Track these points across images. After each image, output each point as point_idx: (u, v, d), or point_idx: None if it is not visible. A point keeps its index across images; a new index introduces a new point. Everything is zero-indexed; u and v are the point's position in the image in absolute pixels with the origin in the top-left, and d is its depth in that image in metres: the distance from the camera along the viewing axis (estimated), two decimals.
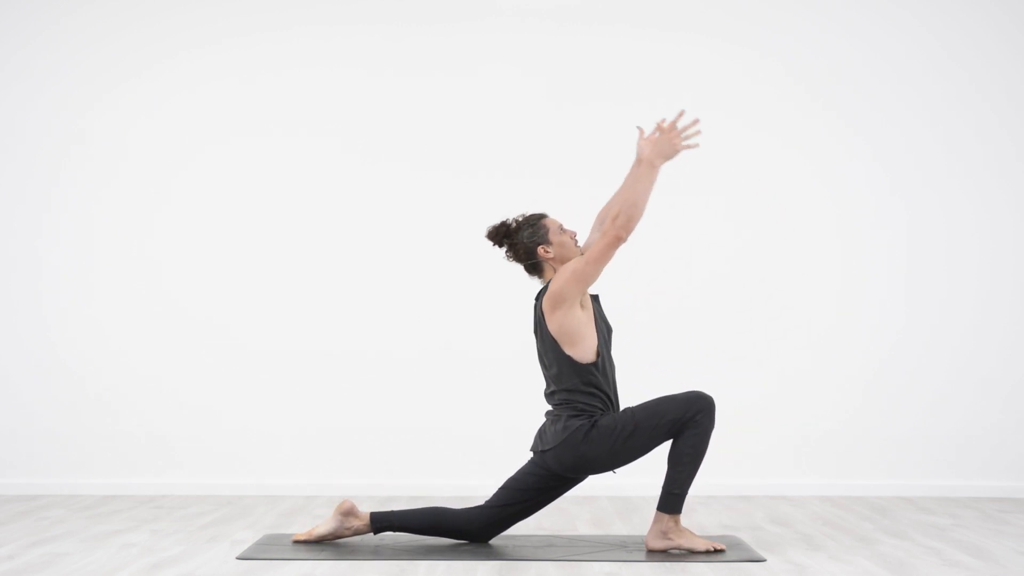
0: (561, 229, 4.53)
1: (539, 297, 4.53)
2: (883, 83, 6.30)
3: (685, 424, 4.36)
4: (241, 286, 6.26)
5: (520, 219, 4.55)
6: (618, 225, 4.26)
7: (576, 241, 4.56)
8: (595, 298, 4.64)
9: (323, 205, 6.29)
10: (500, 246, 4.58)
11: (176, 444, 6.19)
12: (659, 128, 4.39)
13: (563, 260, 4.50)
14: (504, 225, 4.55)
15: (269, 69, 6.32)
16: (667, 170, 6.20)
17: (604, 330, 4.55)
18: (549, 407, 4.54)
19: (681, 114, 4.40)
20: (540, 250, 4.50)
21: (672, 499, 4.37)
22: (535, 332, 4.55)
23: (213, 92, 6.32)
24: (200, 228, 6.29)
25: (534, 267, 4.55)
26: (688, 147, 4.38)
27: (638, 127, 4.53)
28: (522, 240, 4.51)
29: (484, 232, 4.60)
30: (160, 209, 6.29)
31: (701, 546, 4.35)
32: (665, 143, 4.35)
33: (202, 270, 6.26)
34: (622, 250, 6.10)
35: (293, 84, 6.32)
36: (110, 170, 6.29)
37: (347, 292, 6.25)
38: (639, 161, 4.44)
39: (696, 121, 4.38)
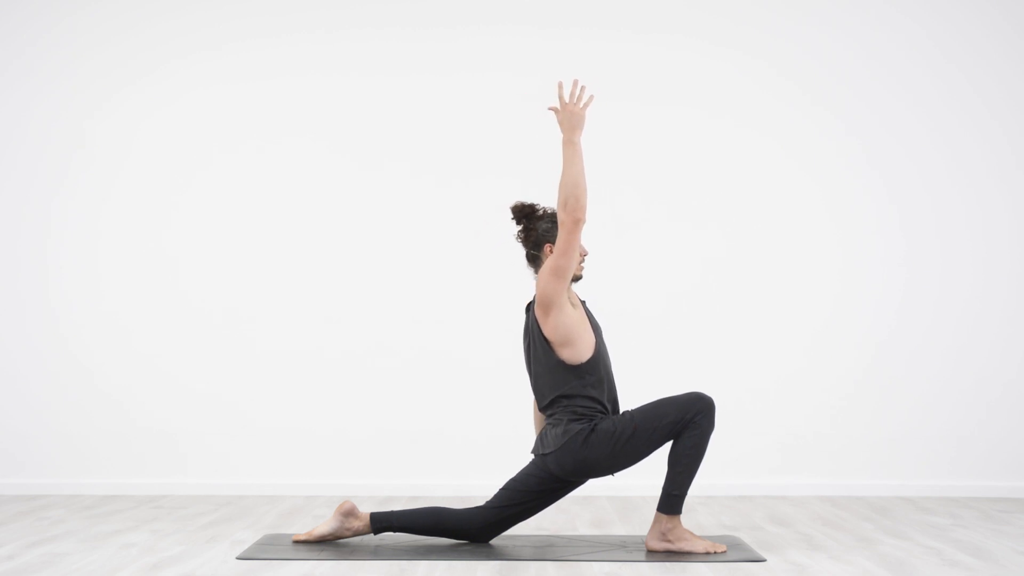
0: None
1: (530, 308, 4.57)
2: (878, 84, 6.30)
3: (685, 426, 4.36)
4: (243, 289, 6.26)
5: (548, 210, 4.58)
6: (570, 209, 4.30)
7: (583, 260, 4.54)
8: (581, 302, 4.65)
9: (321, 208, 6.29)
10: (517, 224, 4.60)
11: (177, 444, 6.19)
12: (555, 111, 4.46)
13: None
14: (531, 207, 4.57)
15: (269, 74, 6.32)
16: (661, 172, 6.27)
17: (597, 329, 4.56)
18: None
19: (561, 85, 4.48)
20: (546, 247, 4.52)
21: (672, 500, 4.37)
22: (526, 343, 4.56)
23: (214, 96, 6.32)
24: (206, 230, 6.29)
25: (534, 258, 4.57)
26: (587, 104, 4.44)
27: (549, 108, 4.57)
28: (538, 228, 4.54)
29: (511, 203, 4.62)
30: (165, 209, 6.29)
31: (701, 548, 4.35)
32: (568, 117, 4.42)
33: (206, 272, 6.27)
34: (616, 253, 6.17)
35: (297, 88, 6.32)
36: (115, 171, 6.30)
37: (348, 294, 6.26)
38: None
39: (576, 81, 4.47)
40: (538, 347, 4.47)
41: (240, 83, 6.33)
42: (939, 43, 6.32)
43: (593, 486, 5.57)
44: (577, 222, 4.31)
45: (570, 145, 4.38)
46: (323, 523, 4.56)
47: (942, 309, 6.24)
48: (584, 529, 4.99)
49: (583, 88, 4.45)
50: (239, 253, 6.28)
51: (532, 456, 4.62)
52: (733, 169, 6.29)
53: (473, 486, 6.00)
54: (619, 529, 5.01)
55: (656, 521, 4.40)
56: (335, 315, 6.25)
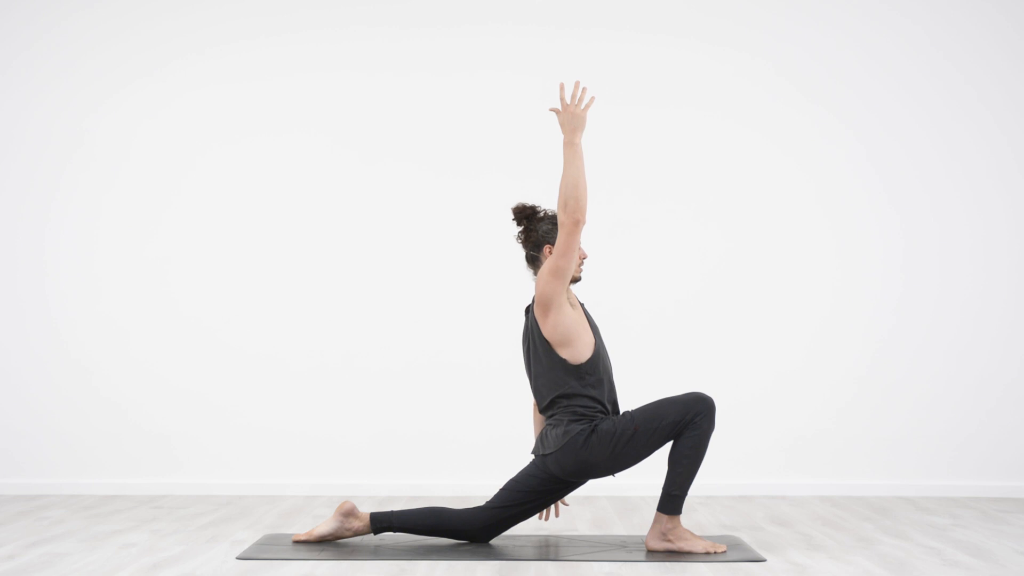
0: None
1: (529, 310, 4.58)
2: (878, 84, 6.30)
3: (685, 426, 4.36)
4: (244, 289, 6.26)
5: (549, 212, 4.59)
6: (571, 210, 4.32)
7: (582, 262, 4.55)
8: (580, 304, 4.65)
9: (321, 209, 6.29)
10: (518, 224, 4.61)
11: (177, 444, 6.19)
12: (556, 112, 4.46)
13: None
14: (532, 209, 4.59)
15: (270, 73, 6.32)
16: (661, 172, 6.27)
17: (596, 330, 4.57)
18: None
19: (563, 87, 4.50)
20: (546, 248, 4.53)
21: (672, 500, 4.37)
22: (525, 344, 4.57)
23: (215, 95, 6.32)
24: (204, 230, 6.29)
25: (533, 259, 4.58)
26: (588, 106, 4.44)
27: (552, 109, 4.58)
28: (538, 230, 4.55)
29: (512, 204, 4.63)
30: (165, 210, 6.29)
31: (701, 547, 4.35)
32: (569, 119, 4.43)
33: (205, 272, 6.27)
34: (615, 254, 6.17)
35: (296, 88, 6.32)
36: (114, 171, 6.29)
37: (348, 294, 6.26)
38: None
39: (577, 83, 4.50)
40: (538, 348, 4.48)
41: (240, 83, 6.33)
42: (939, 43, 6.32)
43: (593, 486, 5.57)
44: (577, 223, 4.32)
45: (571, 146, 4.39)
46: (323, 523, 4.56)
47: (942, 309, 6.24)
48: (584, 529, 4.99)
49: (584, 90, 4.46)
50: (238, 253, 6.28)
51: (532, 456, 4.62)
52: (733, 169, 6.29)
53: (473, 486, 6.00)
54: (619, 529, 5.01)
55: (656, 521, 4.40)
56: (335, 316, 6.25)
